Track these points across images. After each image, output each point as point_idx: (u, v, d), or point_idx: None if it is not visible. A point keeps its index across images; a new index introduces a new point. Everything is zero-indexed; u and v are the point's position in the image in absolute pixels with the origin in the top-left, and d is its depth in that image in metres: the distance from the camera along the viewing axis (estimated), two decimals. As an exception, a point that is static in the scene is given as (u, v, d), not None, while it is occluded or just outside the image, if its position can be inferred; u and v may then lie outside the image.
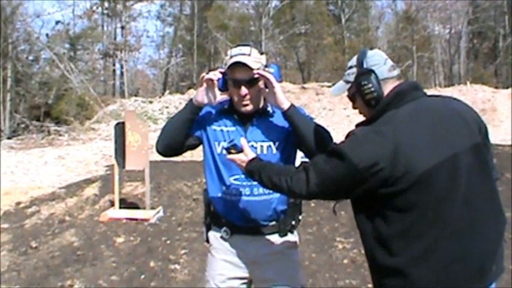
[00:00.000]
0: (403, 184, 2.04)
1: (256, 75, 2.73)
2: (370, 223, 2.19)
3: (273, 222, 2.91)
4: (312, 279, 5.29)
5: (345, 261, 5.93)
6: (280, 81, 2.84)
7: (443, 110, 2.24)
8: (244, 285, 3.00)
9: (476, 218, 2.12)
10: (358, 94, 2.33)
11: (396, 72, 2.34)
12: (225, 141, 2.83)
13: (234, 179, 2.86)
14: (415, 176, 2.04)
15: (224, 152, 2.68)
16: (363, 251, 6.38)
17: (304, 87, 24.17)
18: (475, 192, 2.13)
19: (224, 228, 2.94)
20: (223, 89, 2.84)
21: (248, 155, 2.55)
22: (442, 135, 2.13)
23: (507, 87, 24.14)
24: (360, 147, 2.10)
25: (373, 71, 2.28)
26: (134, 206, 8.52)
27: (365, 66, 2.31)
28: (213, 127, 2.92)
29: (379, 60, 2.32)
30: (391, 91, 2.27)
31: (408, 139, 2.07)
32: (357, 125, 2.31)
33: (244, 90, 2.76)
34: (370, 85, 2.26)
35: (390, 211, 2.12)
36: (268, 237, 2.92)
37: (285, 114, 2.75)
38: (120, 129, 7.93)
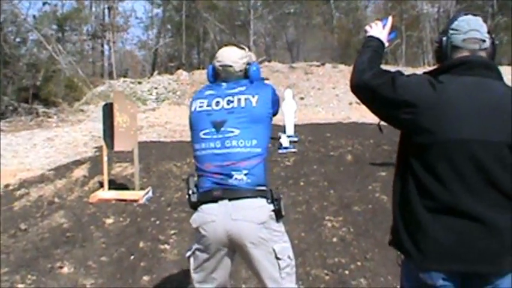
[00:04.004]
0: (425, 139, 2.21)
1: None
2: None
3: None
4: (301, 258, 5.31)
5: (334, 239, 5.95)
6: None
7: (497, 99, 2.26)
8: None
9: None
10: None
11: (476, 46, 2.36)
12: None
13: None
14: (439, 138, 2.19)
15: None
16: (352, 229, 6.41)
17: (293, 67, 24.11)
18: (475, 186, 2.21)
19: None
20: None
21: (382, 33, 2.65)
22: (481, 118, 2.20)
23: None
24: (411, 86, 2.29)
25: (447, 34, 2.40)
26: (123, 187, 8.51)
27: (450, 26, 2.42)
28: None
29: (461, 27, 2.39)
30: (457, 58, 2.35)
31: (452, 104, 2.21)
32: (424, 72, 2.46)
33: None
34: (438, 45, 2.45)
35: (418, 166, 2.27)
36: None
37: None
38: (108, 110, 7.91)
